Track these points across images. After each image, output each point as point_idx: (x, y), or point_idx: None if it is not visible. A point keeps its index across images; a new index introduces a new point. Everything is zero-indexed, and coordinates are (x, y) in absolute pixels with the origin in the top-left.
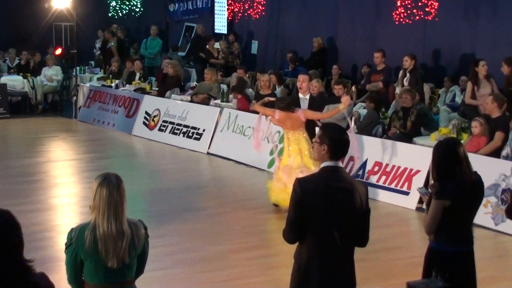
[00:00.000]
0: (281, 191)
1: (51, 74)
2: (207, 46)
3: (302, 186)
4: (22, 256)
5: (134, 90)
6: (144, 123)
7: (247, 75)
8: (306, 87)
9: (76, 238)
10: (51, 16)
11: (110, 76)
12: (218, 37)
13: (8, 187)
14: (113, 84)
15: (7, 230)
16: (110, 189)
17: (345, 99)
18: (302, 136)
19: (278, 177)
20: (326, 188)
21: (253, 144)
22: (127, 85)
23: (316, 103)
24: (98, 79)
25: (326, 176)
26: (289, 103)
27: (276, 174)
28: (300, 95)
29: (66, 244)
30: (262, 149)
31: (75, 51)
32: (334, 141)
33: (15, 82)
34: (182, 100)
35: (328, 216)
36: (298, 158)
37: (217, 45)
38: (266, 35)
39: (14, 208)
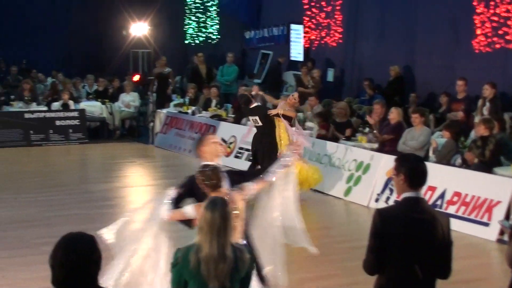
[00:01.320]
0: None
1: (129, 100)
2: (301, 75)
3: (382, 216)
4: (97, 282)
5: (210, 117)
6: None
7: (318, 104)
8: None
9: (181, 259)
10: (129, 43)
11: (187, 102)
12: (293, 64)
13: (87, 212)
14: (189, 111)
15: (89, 254)
16: (214, 212)
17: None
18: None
19: None
20: (407, 220)
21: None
22: (204, 112)
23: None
24: (175, 105)
25: (407, 207)
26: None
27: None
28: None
29: (172, 263)
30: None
31: (152, 77)
32: (411, 170)
33: (94, 108)
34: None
35: (409, 248)
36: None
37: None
38: (342, 62)
39: (91, 233)
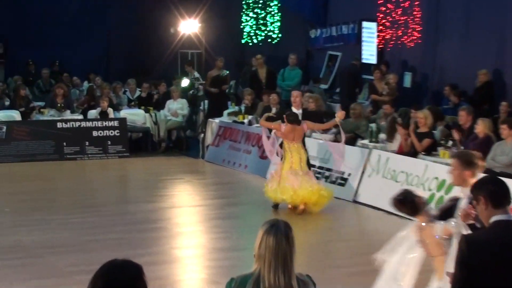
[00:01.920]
0: (284, 190)
1: (176, 108)
2: (374, 79)
3: (470, 244)
4: None
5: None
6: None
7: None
8: (299, 102)
9: None
10: (177, 43)
11: (243, 111)
12: (365, 68)
13: (127, 236)
14: (245, 120)
15: (136, 285)
16: (278, 238)
17: (340, 113)
18: (301, 147)
19: (274, 178)
20: (499, 246)
21: (268, 154)
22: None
23: (309, 117)
24: (229, 114)
25: (498, 232)
26: (297, 116)
27: (272, 176)
28: (294, 109)
29: None
30: (274, 157)
31: (204, 82)
32: (490, 192)
33: (136, 116)
34: (324, 140)
35: (502, 279)
36: (299, 165)
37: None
38: (421, 66)
39: (133, 260)
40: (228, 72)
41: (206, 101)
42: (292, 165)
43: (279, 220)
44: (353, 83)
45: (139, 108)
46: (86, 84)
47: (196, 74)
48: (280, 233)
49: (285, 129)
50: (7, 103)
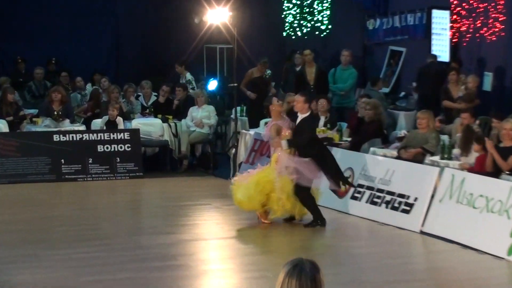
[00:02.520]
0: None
1: (201, 116)
2: (448, 82)
3: None
4: None
5: None
6: (331, 188)
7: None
8: (300, 107)
9: None
10: (203, 36)
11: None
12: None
13: (140, 275)
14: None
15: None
16: (302, 281)
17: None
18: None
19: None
20: None
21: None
22: None
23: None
24: (266, 124)
25: None
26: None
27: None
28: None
29: None
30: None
31: (235, 84)
32: None
33: (151, 127)
34: (385, 155)
35: None
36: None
37: None
38: (504, 65)
39: None
40: (270, 72)
41: (238, 108)
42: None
43: (303, 260)
44: (437, 87)
45: (156, 116)
46: (89, 87)
47: (189, 76)
48: (305, 276)
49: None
50: None
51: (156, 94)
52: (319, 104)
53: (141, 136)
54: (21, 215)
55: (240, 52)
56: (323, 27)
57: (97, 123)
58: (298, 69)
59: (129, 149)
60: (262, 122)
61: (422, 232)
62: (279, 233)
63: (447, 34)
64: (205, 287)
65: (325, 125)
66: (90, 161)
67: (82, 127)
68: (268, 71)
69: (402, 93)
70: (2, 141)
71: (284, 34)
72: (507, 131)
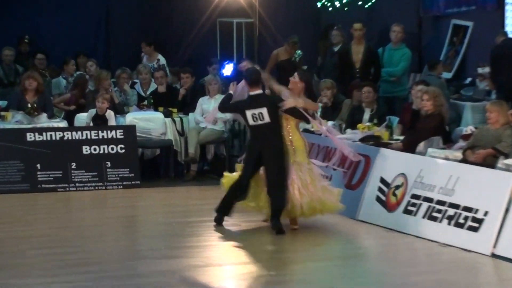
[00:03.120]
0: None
1: (214, 109)
2: None
3: None
4: None
5: (360, 140)
6: (378, 198)
7: None
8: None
9: None
10: (215, 8)
11: (318, 114)
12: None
13: None
14: (322, 128)
15: None
16: None
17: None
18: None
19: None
20: None
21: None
22: (349, 130)
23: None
24: None
25: None
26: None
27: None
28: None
29: None
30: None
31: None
32: None
33: (151, 123)
34: (447, 158)
35: None
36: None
37: None
38: None
39: None
40: (301, 54)
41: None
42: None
43: None
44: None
45: (156, 110)
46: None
47: (162, 60)
48: None
49: None
50: None
51: (157, 81)
52: (363, 93)
53: (138, 134)
54: None
55: (263, 28)
56: None
57: (82, 118)
58: (336, 48)
59: (123, 151)
60: None
61: (494, 255)
62: (310, 257)
63: None
64: None
65: (370, 120)
66: (73, 167)
67: (63, 123)
68: (298, 52)
69: (468, 79)
70: None
71: (319, 4)
72: None
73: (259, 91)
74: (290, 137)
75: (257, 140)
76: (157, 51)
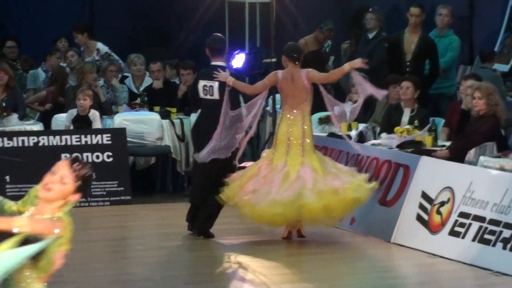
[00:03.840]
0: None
1: None
2: None
3: None
4: None
5: (398, 146)
6: (419, 217)
7: None
8: None
9: None
10: None
11: (348, 115)
12: None
13: None
14: (353, 132)
15: None
16: None
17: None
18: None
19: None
20: None
21: None
22: (384, 135)
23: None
24: (322, 120)
25: None
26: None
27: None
28: None
29: None
30: None
31: (274, 60)
32: None
33: (145, 126)
34: (502, 169)
35: None
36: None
37: None
38: None
39: None
40: (330, 43)
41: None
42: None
43: None
44: None
45: (151, 110)
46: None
47: (103, 48)
48: None
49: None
50: None
51: (151, 74)
52: (401, 89)
53: (128, 139)
54: None
55: (281, 10)
56: None
57: (61, 119)
58: (371, 35)
59: (110, 159)
60: (314, 117)
61: None
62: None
63: None
64: None
65: (410, 122)
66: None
67: (38, 126)
68: (329, 42)
69: None
70: None
71: None
72: None
73: (221, 63)
74: (305, 127)
75: (203, 119)
76: (93, 39)
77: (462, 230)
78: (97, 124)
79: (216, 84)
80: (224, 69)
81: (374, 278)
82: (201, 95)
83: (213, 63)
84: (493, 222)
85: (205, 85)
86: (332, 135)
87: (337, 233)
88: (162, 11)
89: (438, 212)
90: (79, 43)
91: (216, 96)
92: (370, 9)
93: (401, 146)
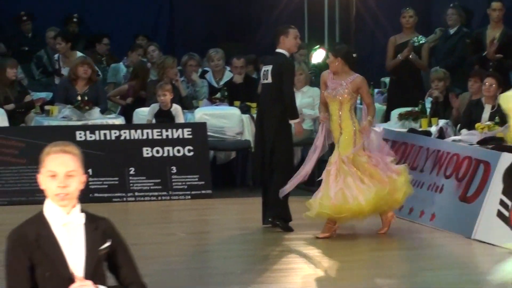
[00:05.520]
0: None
1: (301, 104)
2: None
3: None
4: None
5: (478, 143)
6: (499, 213)
7: None
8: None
9: None
10: None
11: (428, 110)
12: None
13: None
14: (433, 128)
15: None
16: None
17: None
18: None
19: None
20: None
21: None
22: (464, 131)
23: None
24: (402, 116)
25: None
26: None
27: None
28: None
29: None
30: None
31: (354, 55)
32: None
33: (225, 120)
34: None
35: None
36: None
37: None
38: None
39: None
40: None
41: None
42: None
43: None
44: None
45: (232, 104)
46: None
47: None
48: None
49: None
50: None
51: (231, 69)
52: (484, 86)
53: (209, 134)
54: None
55: (361, 5)
56: None
57: (143, 113)
58: (452, 31)
59: (191, 153)
60: (393, 113)
61: None
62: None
63: None
64: None
65: (491, 118)
66: (131, 172)
67: (120, 120)
68: (420, 37)
69: None
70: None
71: None
72: None
73: (280, 50)
74: (340, 123)
75: (260, 103)
76: (75, 50)
77: None
78: (179, 118)
79: (270, 68)
80: (286, 56)
81: (455, 275)
82: (261, 80)
83: (277, 50)
84: None
85: (264, 70)
86: (412, 130)
87: (417, 229)
88: (242, 7)
89: None
90: (60, 50)
91: (269, 79)
92: (451, 5)
93: (482, 142)
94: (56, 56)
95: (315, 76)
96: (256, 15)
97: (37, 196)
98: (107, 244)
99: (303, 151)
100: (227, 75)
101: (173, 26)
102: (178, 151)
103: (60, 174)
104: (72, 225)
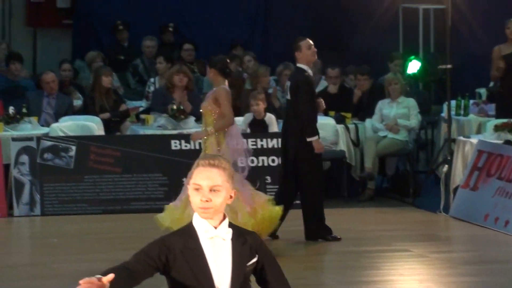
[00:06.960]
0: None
1: (396, 115)
2: None
3: None
4: None
5: None
6: None
7: None
8: None
9: None
10: None
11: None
12: None
13: None
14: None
15: None
16: None
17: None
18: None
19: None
20: None
21: None
22: None
23: None
24: (498, 127)
25: None
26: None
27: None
28: None
29: None
30: None
31: (449, 66)
32: None
33: (320, 130)
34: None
35: None
36: None
37: None
38: None
39: None
40: None
41: (453, 102)
42: None
43: None
44: None
45: (326, 114)
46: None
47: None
48: None
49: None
50: (78, 102)
51: (324, 78)
52: None
53: None
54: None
55: (457, 16)
56: None
57: (238, 123)
58: None
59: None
60: (489, 124)
61: None
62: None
63: None
64: None
65: None
66: None
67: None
68: None
69: None
70: (95, 150)
71: None
72: None
73: (299, 65)
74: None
75: (285, 118)
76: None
77: None
78: (273, 128)
79: (289, 84)
80: (303, 71)
81: None
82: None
83: (297, 65)
84: None
85: (286, 85)
86: (508, 142)
87: (491, 235)
88: (337, 16)
89: None
90: (159, 70)
91: (289, 96)
92: None
93: None
94: (152, 79)
95: (410, 87)
96: (351, 24)
97: (132, 205)
98: (254, 259)
99: (398, 162)
100: (322, 84)
101: (268, 36)
102: (273, 160)
103: (204, 187)
104: (219, 239)
